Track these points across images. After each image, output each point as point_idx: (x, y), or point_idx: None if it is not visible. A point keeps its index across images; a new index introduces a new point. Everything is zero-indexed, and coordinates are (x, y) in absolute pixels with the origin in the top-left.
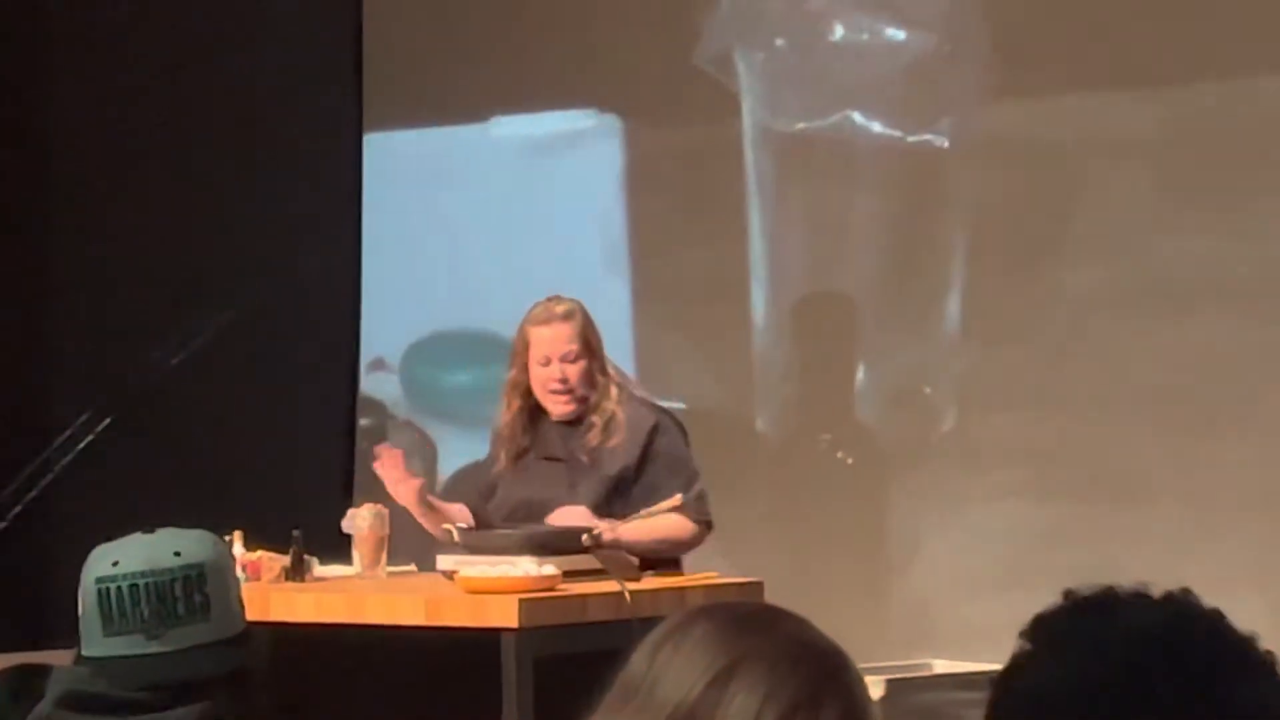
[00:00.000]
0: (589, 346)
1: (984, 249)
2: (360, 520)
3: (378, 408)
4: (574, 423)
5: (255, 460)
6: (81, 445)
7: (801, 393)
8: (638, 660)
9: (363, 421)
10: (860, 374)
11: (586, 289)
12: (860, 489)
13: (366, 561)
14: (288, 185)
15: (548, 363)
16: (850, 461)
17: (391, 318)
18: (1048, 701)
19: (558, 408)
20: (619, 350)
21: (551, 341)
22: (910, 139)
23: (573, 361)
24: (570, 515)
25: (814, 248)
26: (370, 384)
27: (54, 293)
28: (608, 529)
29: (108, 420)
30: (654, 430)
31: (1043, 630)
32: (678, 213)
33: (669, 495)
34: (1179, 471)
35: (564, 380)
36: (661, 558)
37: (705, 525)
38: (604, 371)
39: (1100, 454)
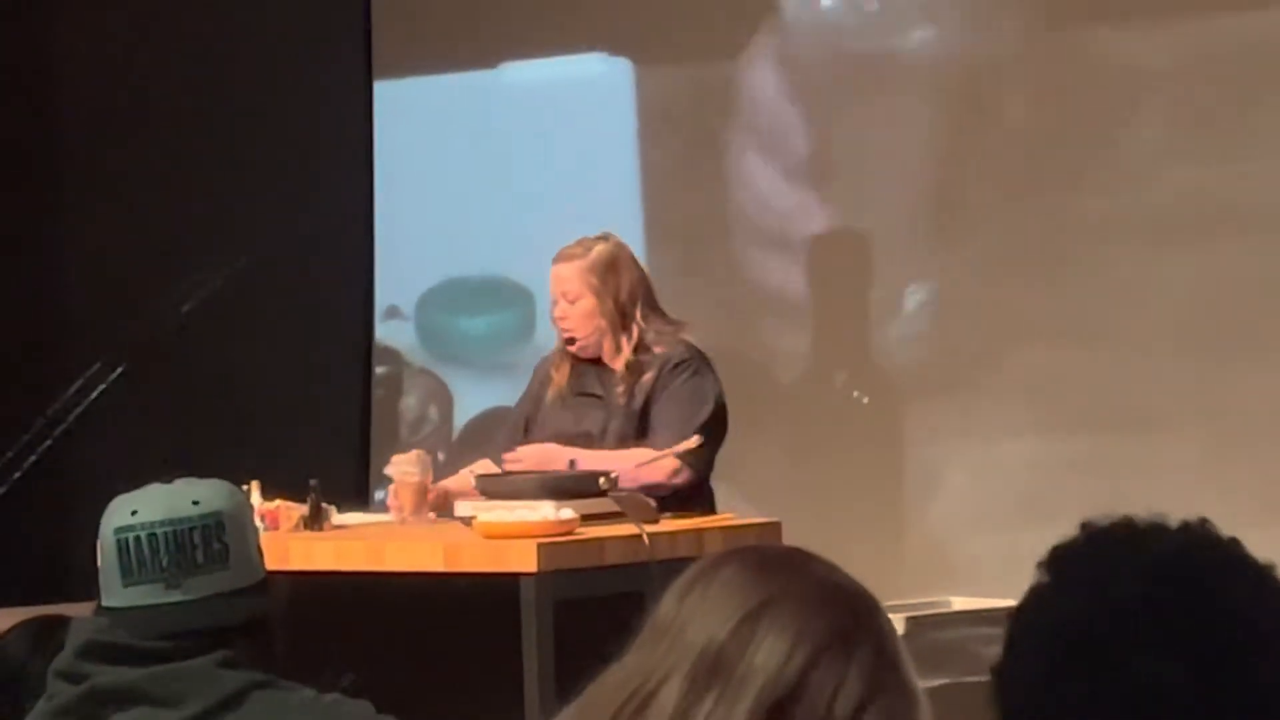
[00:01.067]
0: (600, 287)
1: (1000, 181)
2: (407, 466)
3: (394, 356)
4: (612, 360)
5: (272, 410)
6: (93, 395)
7: (816, 331)
8: (667, 603)
9: (379, 370)
10: (875, 311)
11: (598, 230)
12: (877, 427)
13: (411, 507)
14: (298, 135)
15: (556, 301)
16: (866, 400)
17: (406, 265)
18: (1065, 633)
19: (567, 345)
20: None
21: (556, 281)
22: (926, 72)
23: (573, 301)
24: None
25: (827, 185)
26: (386, 332)
27: (64, 243)
28: (591, 459)
29: (119, 370)
30: (674, 366)
31: (1060, 562)
32: (689, 154)
33: (663, 434)
34: (1198, 402)
35: (562, 318)
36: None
37: (691, 471)
38: (634, 313)
39: (1119, 386)
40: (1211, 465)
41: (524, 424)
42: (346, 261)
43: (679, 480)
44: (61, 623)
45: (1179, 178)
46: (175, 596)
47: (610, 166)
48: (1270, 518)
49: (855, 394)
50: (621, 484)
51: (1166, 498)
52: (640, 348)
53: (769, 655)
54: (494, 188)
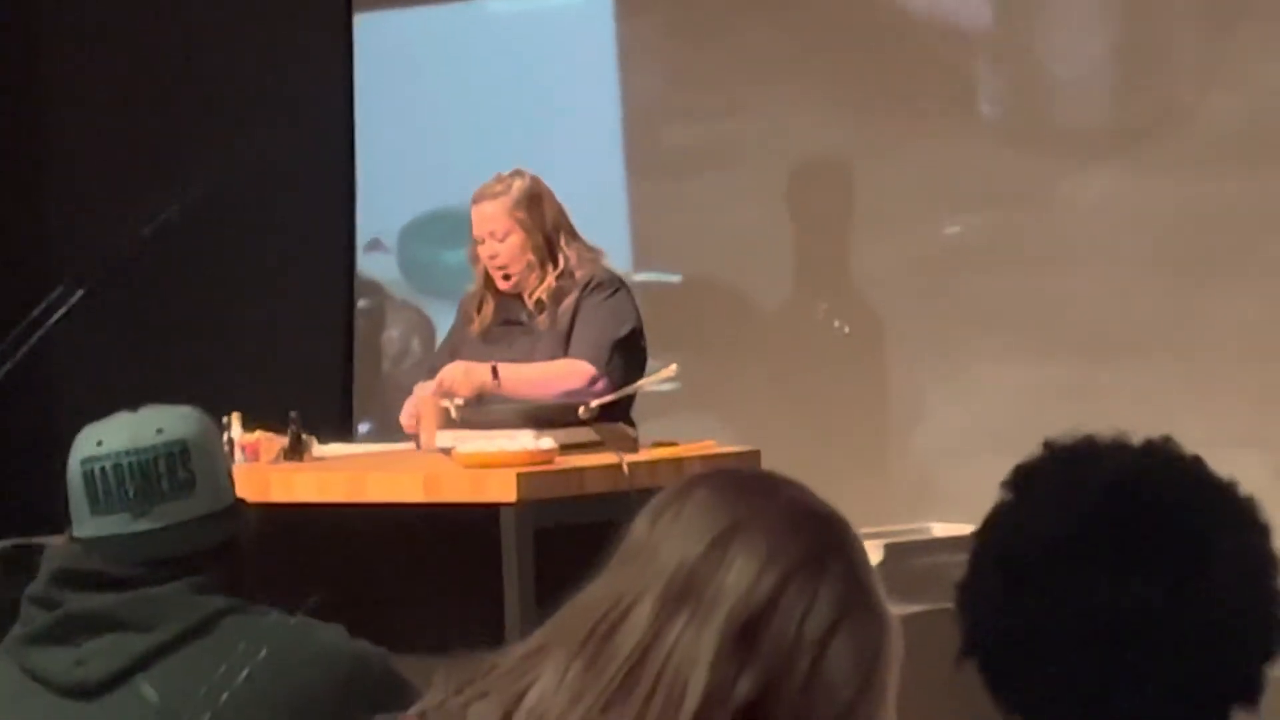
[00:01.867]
0: (527, 221)
1: (980, 112)
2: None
3: (376, 288)
4: (537, 290)
5: (253, 342)
6: (55, 319)
7: (798, 262)
8: (640, 526)
9: (361, 303)
10: (856, 240)
11: (581, 164)
12: (859, 355)
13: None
14: (279, 64)
15: (482, 241)
16: (848, 330)
17: (388, 198)
18: (1026, 548)
19: (498, 282)
20: (614, 225)
21: (480, 221)
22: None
23: (501, 239)
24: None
25: (808, 118)
26: (368, 264)
27: (37, 162)
28: (511, 369)
29: (79, 293)
30: (594, 287)
31: (1022, 480)
32: (671, 86)
33: (580, 348)
34: (1181, 327)
35: (493, 257)
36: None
37: (607, 382)
38: (558, 242)
39: (1101, 312)
40: (1195, 389)
41: (453, 356)
42: (327, 193)
43: (597, 388)
44: (36, 550)
45: (1159, 102)
46: (143, 525)
47: (591, 98)
48: (1253, 440)
49: (837, 324)
50: (538, 391)
51: (1149, 423)
52: (563, 274)
53: (739, 576)
54: (476, 120)
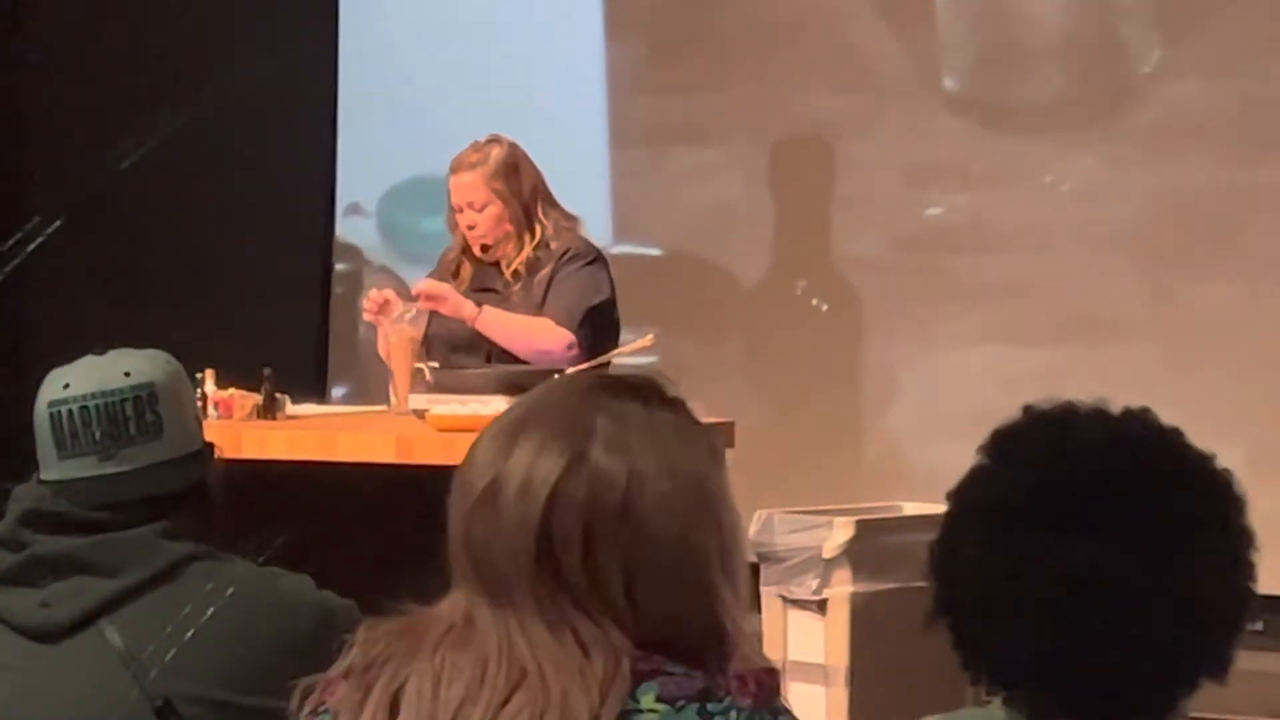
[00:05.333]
0: (505, 191)
1: (959, 94)
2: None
3: (354, 253)
4: (514, 258)
5: (228, 300)
6: (30, 249)
7: (777, 238)
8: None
9: (339, 266)
10: (835, 218)
11: (562, 133)
12: (834, 332)
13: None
14: (263, 25)
15: (460, 210)
16: (825, 308)
17: (369, 163)
18: (1001, 509)
19: (475, 251)
20: (595, 196)
21: (458, 190)
22: None
23: (479, 209)
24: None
25: (790, 92)
26: (347, 228)
27: (14, 92)
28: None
29: (56, 224)
30: (570, 257)
31: (999, 443)
32: (655, 56)
33: (552, 313)
34: (1156, 313)
35: (471, 227)
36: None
37: (580, 351)
38: (535, 211)
39: (1078, 296)
40: (1169, 376)
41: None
42: (309, 155)
43: (572, 354)
44: (2, 492)
45: (1140, 90)
46: (109, 468)
47: (575, 67)
48: (1228, 425)
49: (815, 301)
50: (513, 338)
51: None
52: (540, 244)
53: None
54: (459, 87)
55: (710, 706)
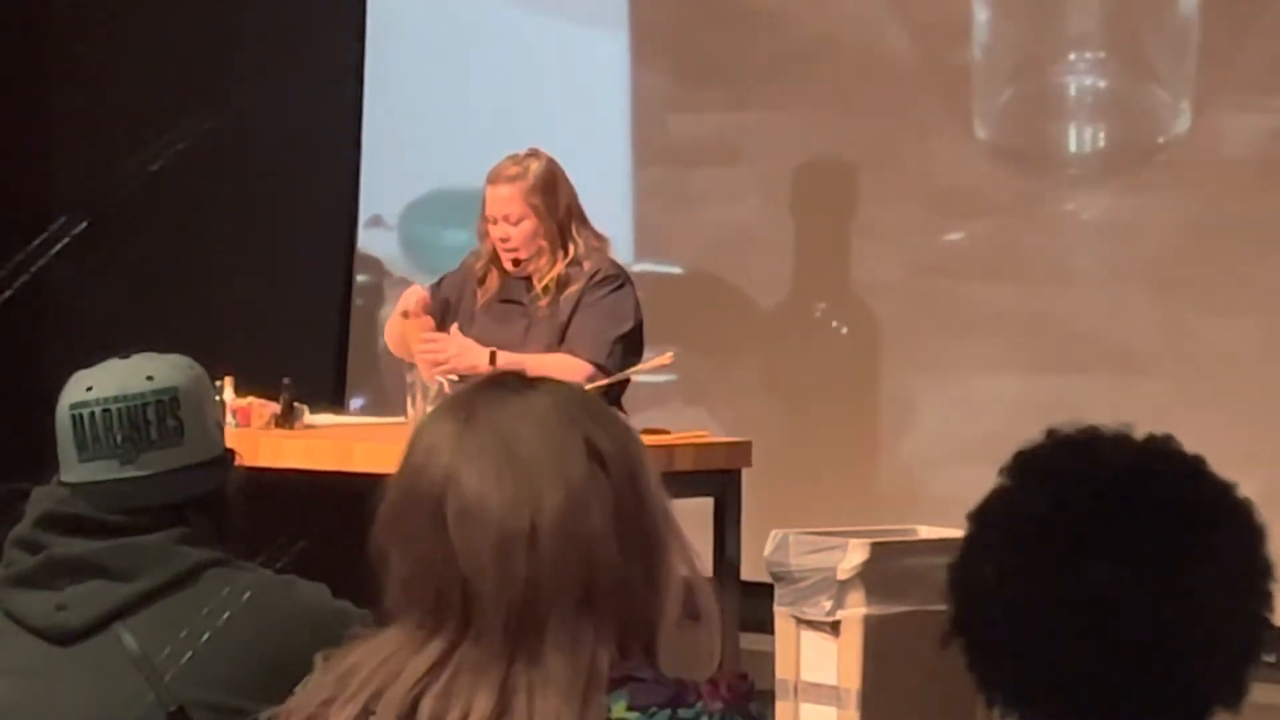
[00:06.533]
0: (542, 208)
1: (981, 125)
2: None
3: (375, 265)
4: (545, 274)
5: (250, 309)
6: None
7: (798, 260)
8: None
9: (360, 278)
10: (855, 243)
11: (585, 152)
12: (853, 356)
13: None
14: (290, 40)
15: (495, 222)
16: (845, 331)
17: (391, 176)
18: (1021, 531)
19: (506, 264)
20: (617, 215)
21: (494, 202)
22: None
23: (515, 223)
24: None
25: (813, 116)
26: (368, 241)
27: (46, 93)
28: (512, 359)
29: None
30: (599, 280)
31: (1021, 464)
32: (680, 78)
33: (578, 343)
34: (1173, 344)
35: (505, 240)
36: None
37: (601, 371)
38: (569, 229)
39: (1096, 327)
40: (1185, 407)
41: (444, 307)
42: (333, 167)
43: (594, 380)
44: (22, 493)
45: (1160, 121)
46: (130, 472)
47: (599, 86)
48: (1244, 460)
49: (834, 324)
50: None
51: None
52: (572, 263)
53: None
54: (483, 102)
55: (682, 713)
